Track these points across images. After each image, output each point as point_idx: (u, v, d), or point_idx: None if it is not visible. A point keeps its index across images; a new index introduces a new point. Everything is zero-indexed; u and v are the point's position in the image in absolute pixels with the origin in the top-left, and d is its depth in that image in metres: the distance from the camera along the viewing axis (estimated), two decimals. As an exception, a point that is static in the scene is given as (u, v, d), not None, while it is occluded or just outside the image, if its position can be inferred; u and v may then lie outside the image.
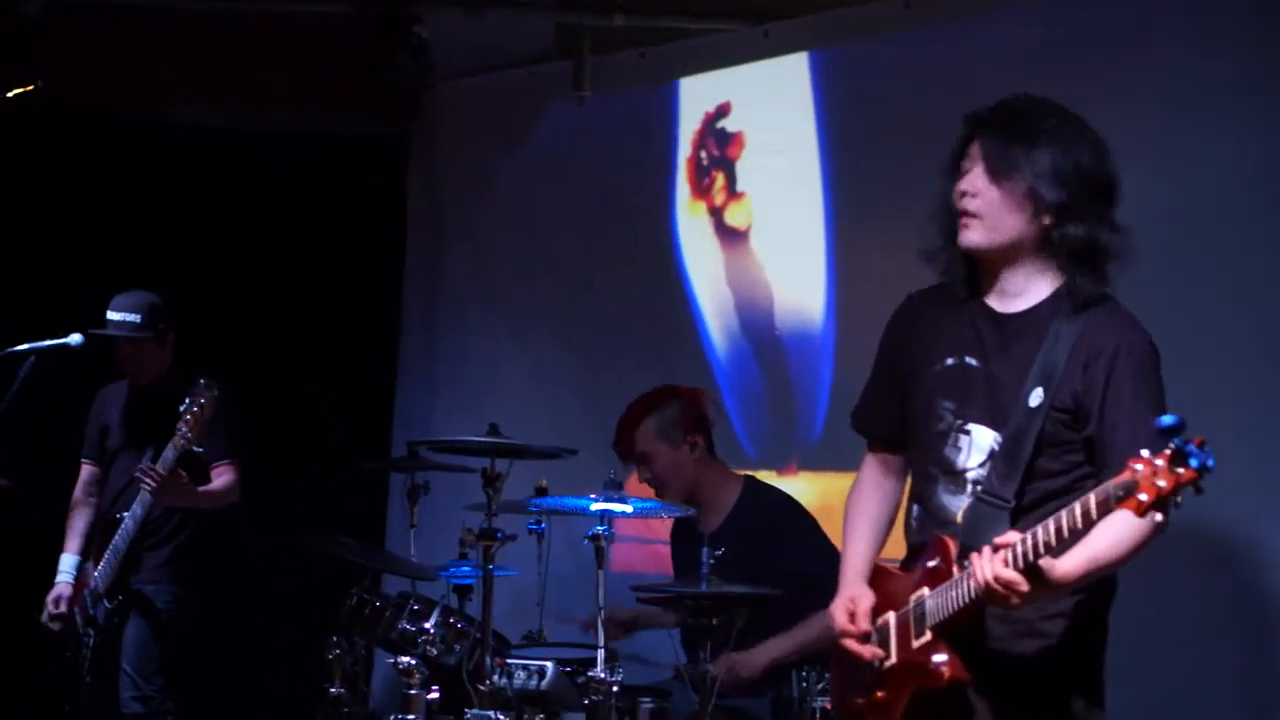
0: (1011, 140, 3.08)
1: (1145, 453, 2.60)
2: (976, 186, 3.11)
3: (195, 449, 5.33)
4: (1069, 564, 2.92)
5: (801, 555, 4.79)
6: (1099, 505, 2.72)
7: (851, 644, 3.23)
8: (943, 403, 3.21)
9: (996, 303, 3.19)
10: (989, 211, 3.11)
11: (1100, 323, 3.08)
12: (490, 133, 6.84)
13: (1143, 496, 2.59)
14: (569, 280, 6.57)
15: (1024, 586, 2.88)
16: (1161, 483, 2.57)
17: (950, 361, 3.21)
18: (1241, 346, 4.63)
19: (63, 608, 5.53)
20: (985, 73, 5.08)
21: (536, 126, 6.67)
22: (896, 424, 3.36)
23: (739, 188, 6.17)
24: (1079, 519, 2.77)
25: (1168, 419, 2.57)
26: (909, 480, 3.40)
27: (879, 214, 5.48)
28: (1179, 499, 2.58)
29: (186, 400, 5.31)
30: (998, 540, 2.94)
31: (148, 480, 5.30)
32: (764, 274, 6.08)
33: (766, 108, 6.08)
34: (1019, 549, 2.88)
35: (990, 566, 2.90)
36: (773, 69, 6.01)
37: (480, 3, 6.26)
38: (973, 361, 3.18)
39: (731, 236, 6.20)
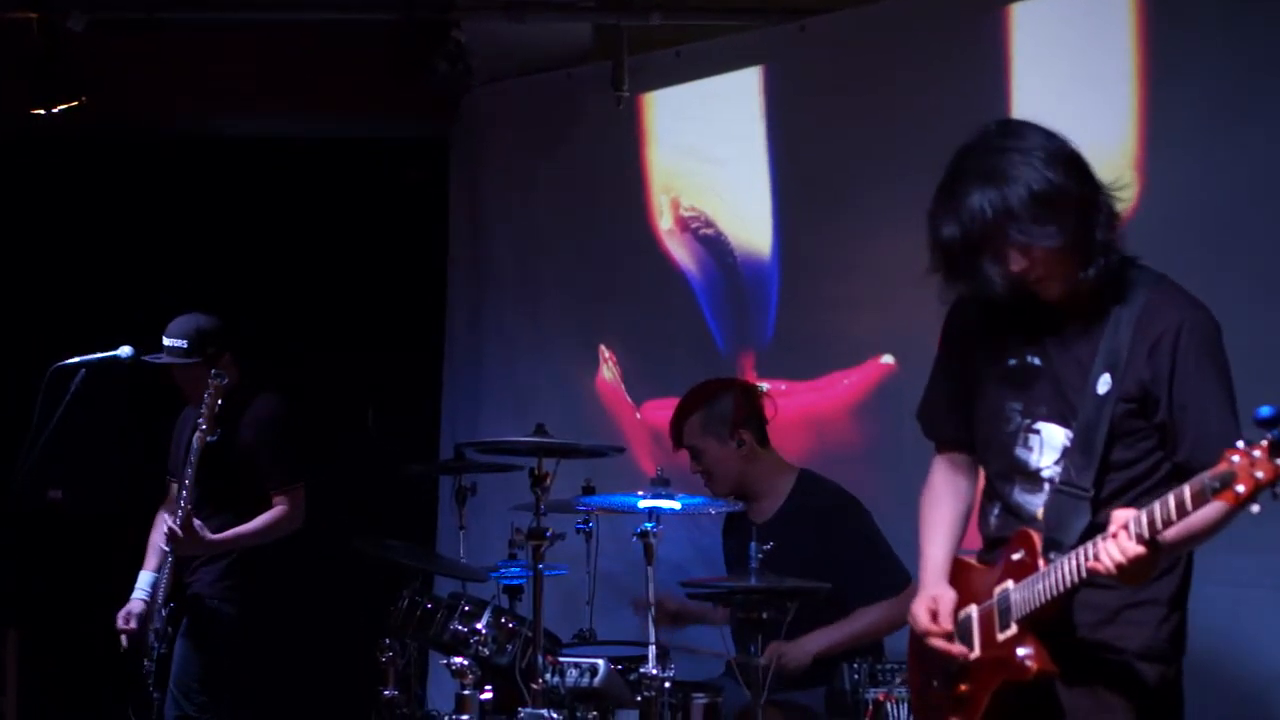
0: (1033, 205, 2.99)
1: (1241, 444, 2.58)
2: (1036, 258, 3.04)
3: (209, 439, 5.19)
4: (1169, 535, 2.88)
5: (853, 546, 4.81)
6: (1194, 497, 2.68)
7: (939, 643, 3.23)
8: (1009, 404, 3.21)
9: (1047, 301, 3.15)
10: (1056, 270, 3.06)
11: (1157, 301, 3.08)
12: (530, 135, 6.86)
13: (1240, 488, 2.56)
14: (610, 279, 6.58)
15: (1148, 555, 2.84)
16: (1260, 474, 2.55)
17: (1012, 362, 3.21)
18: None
19: (132, 624, 5.44)
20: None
21: (575, 127, 6.69)
22: (962, 427, 3.37)
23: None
24: (1173, 511, 2.73)
25: (1266, 410, 2.52)
26: (981, 476, 3.39)
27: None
28: (1278, 489, 2.55)
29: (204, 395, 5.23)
30: (1116, 524, 2.87)
31: (164, 536, 5.28)
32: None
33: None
34: (1143, 520, 2.82)
35: (1116, 546, 2.85)
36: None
37: (519, 6, 6.28)
38: (1034, 360, 3.18)
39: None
